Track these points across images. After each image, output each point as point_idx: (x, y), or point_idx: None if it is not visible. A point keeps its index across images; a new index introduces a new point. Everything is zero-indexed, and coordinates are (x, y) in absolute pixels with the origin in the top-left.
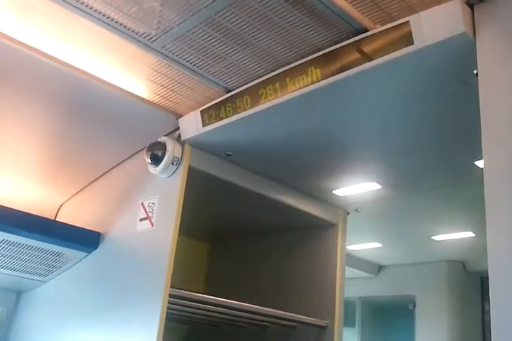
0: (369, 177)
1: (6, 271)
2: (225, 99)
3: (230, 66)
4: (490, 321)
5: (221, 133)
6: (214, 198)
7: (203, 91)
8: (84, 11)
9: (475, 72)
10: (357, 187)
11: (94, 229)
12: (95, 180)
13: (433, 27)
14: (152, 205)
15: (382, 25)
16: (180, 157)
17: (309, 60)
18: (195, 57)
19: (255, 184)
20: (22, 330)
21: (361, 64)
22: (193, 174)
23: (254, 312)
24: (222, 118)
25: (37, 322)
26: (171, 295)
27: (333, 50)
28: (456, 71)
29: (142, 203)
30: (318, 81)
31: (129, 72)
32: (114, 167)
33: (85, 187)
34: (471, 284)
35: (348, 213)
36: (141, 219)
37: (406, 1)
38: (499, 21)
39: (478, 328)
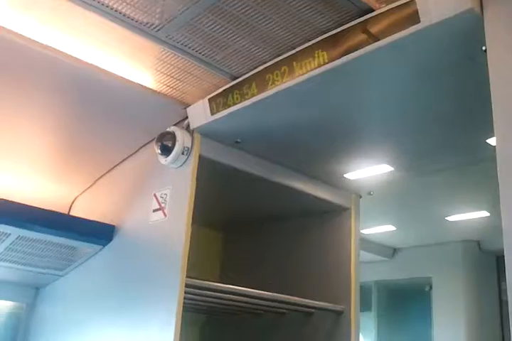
0: (380, 159)
1: (23, 267)
2: (232, 86)
3: (236, 53)
4: (507, 301)
5: (230, 120)
6: (225, 186)
7: (209, 79)
8: (88, 3)
9: (483, 48)
10: (368, 170)
11: (108, 222)
12: (107, 173)
13: (439, 4)
14: (164, 196)
15: (387, 4)
16: (190, 146)
17: (315, 43)
18: (200, 45)
19: (266, 170)
20: (41, 324)
21: (368, 45)
22: (203, 163)
23: (271, 300)
24: (230, 106)
25: (56, 315)
26: (187, 285)
27: (338, 32)
28: (464, 48)
29: (154, 194)
30: (325, 64)
31: (135, 63)
32: (125, 159)
33: (97, 180)
34: (487, 263)
35: (361, 196)
36: (154, 210)
37: None
38: None
39: (495, 308)
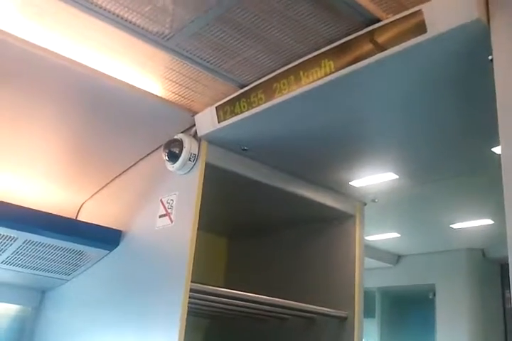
0: (385, 167)
1: (30, 271)
2: (239, 94)
3: (244, 61)
4: (511, 309)
5: (237, 128)
6: (231, 193)
7: (217, 87)
8: (98, 12)
9: (490, 58)
10: (373, 178)
11: (115, 227)
12: (114, 178)
13: (446, 14)
14: (171, 202)
15: (394, 14)
16: (197, 153)
17: (322, 53)
18: (208, 54)
19: (272, 178)
20: (47, 328)
21: (374, 54)
22: (210, 170)
23: (274, 305)
24: (237, 114)
25: (61, 319)
26: (191, 290)
27: (345, 42)
28: (470, 57)
29: (161, 200)
30: (331, 73)
31: (144, 71)
32: (132, 165)
33: (105, 185)
34: (491, 271)
35: (366, 204)
36: (160, 216)
37: None
38: None
39: (499, 316)
